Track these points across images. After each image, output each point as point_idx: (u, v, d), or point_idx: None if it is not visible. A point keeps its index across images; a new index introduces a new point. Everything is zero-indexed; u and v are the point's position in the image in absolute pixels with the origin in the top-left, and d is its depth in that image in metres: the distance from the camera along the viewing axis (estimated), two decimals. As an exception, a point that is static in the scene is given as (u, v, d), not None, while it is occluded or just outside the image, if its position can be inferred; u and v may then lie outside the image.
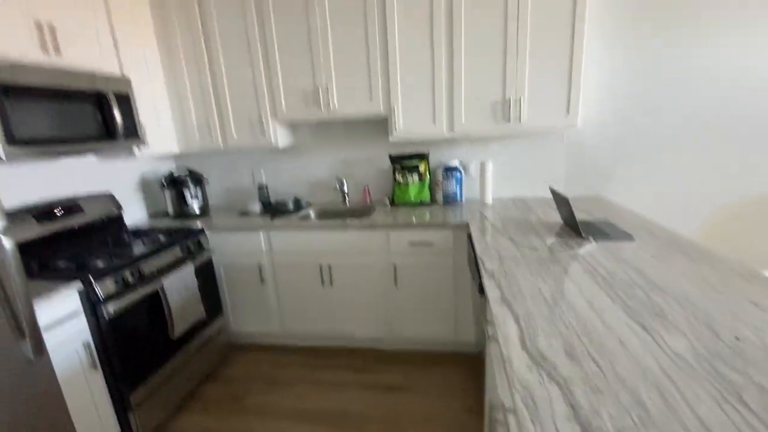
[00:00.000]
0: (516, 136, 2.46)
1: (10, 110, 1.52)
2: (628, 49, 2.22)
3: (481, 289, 1.44)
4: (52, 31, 1.73)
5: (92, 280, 1.58)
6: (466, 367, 2.23)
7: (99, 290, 1.59)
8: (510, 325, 1.02)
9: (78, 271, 1.62)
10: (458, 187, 2.43)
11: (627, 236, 1.64)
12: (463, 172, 2.49)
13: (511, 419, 0.88)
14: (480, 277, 1.46)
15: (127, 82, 2.04)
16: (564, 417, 0.70)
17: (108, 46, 2.03)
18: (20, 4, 1.62)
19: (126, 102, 2.03)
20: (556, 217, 2.02)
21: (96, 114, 1.87)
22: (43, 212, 1.90)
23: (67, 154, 1.74)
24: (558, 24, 1.99)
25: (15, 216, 1.79)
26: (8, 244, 1.16)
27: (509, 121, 2.15)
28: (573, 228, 1.76)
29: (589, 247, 1.54)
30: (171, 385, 1.96)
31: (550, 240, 1.66)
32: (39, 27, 1.68)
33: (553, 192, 1.84)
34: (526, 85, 2.09)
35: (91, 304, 1.59)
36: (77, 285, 1.55)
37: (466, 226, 2.04)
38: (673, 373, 0.80)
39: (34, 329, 1.24)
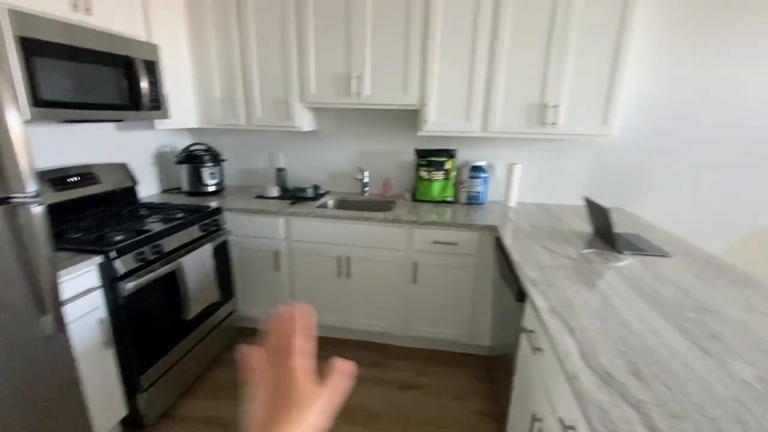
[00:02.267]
0: (547, 140, 2.42)
1: (37, 68, 1.43)
2: (672, 64, 2.18)
3: (520, 297, 1.40)
4: (84, -13, 1.63)
5: (113, 254, 1.50)
6: (478, 369, 2.21)
7: (119, 265, 1.52)
8: (567, 339, 0.99)
9: (97, 244, 1.54)
10: (483, 188, 2.39)
11: (662, 252, 1.61)
12: (488, 172, 2.44)
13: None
14: (519, 283, 1.43)
15: (155, 49, 1.95)
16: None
17: (138, 9, 1.92)
18: (52, -45, 1.51)
19: (152, 70, 1.93)
20: (584, 227, 1.99)
21: (122, 81, 1.78)
22: (57, 179, 1.81)
23: (89, 120, 1.65)
24: (604, 33, 1.94)
25: (30, 181, 1.70)
26: (37, 210, 1.09)
27: (544, 125, 2.11)
28: (606, 240, 1.73)
29: (627, 261, 1.52)
30: (180, 368, 1.91)
31: (585, 250, 1.63)
32: (70, -18, 1.57)
33: (589, 201, 1.81)
34: (566, 90, 2.04)
35: (109, 279, 1.52)
36: (97, 259, 1.47)
37: (494, 229, 2.01)
38: (747, 402, 0.78)
39: (57, 305, 1.17)
